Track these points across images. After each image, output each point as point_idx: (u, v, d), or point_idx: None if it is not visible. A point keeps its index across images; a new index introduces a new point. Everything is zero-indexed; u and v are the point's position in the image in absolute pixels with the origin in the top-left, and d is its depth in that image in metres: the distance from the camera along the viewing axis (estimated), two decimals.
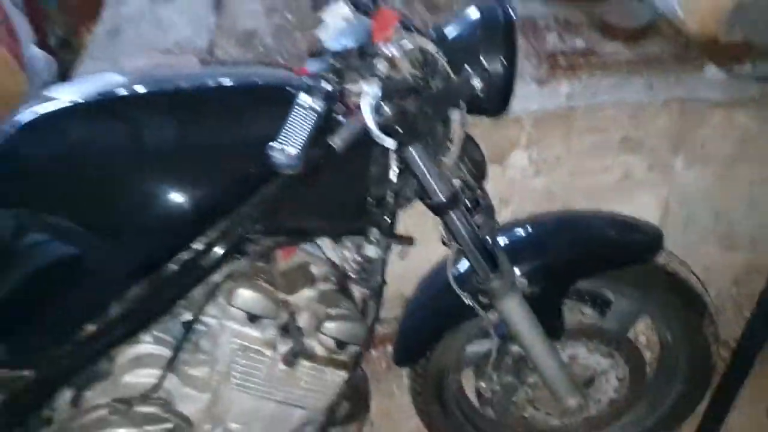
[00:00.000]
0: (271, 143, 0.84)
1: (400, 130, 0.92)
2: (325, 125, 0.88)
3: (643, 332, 1.61)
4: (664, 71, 1.79)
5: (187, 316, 1.07)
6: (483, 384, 1.37)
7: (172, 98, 1.01)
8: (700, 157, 1.78)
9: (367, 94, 0.89)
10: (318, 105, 0.86)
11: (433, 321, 1.35)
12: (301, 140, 0.83)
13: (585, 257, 1.28)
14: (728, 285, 1.98)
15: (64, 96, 1.02)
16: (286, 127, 0.84)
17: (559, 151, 1.74)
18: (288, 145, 0.83)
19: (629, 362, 1.40)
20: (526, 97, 1.69)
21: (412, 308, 1.38)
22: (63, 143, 0.98)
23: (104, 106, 1.00)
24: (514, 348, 1.31)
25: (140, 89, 1.03)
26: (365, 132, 0.93)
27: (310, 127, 0.85)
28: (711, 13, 1.43)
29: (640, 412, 1.53)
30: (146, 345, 1.10)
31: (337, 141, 0.88)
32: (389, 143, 0.91)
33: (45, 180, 0.96)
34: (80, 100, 1.00)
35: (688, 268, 1.34)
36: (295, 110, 0.86)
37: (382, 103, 0.90)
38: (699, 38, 1.60)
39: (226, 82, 1.06)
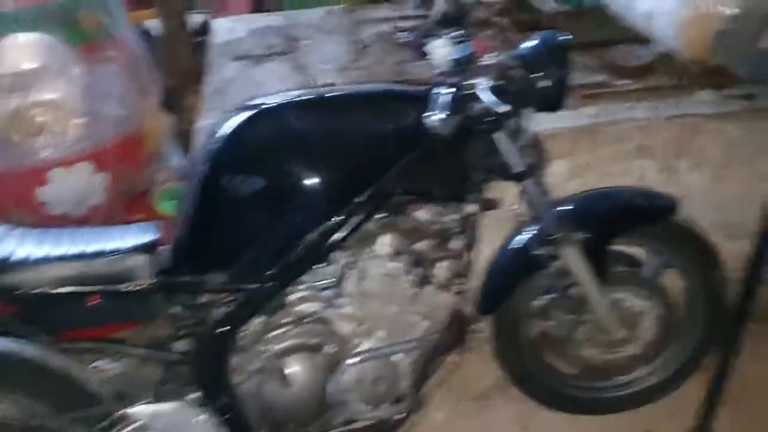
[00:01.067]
0: (425, 114, 1.30)
1: (505, 98, 1.38)
2: (455, 107, 1.35)
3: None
4: (665, 97, 2.28)
5: (344, 260, 1.51)
6: (549, 324, 1.79)
7: (344, 99, 1.49)
8: (699, 161, 2.24)
9: (482, 83, 1.36)
10: (448, 90, 1.34)
11: (511, 275, 1.77)
12: (446, 111, 1.30)
13: (622, 216, 1.73)
14: (731, 267, 2.39)
15: (265, 103, 1.49)
16: (435, 104, 1.31)
17: (588, 159, 2.20)
18: (438, 114, 1.29)
19: (662, 305, 1.81)
20: (560, 119, 2.17)
21: (493, 267, 1.80)
22: (277, 130, 1.45)
23: (297, 106, 1.47)
24: (573, 292, 1.73)
25: (313, 97, 1.51)
26: (473, 119, 1.40)
27: (449, 103, 1.31)
28: (699, 41, 1.91)
29: (671, 353, 1.93)
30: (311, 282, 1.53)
31: (473, 109, 1.34)
32: (503, 108, 1.36)
33: (266, 153, 1.42)
34: (279, 104, 1.48)
35: (700, 227, 1.78)
36: (437, 94, 1.33)
37: (493, 87, 1.37)
38: (691, 62, 2.09)
39: (374, 88, 1.54)
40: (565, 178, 2.19)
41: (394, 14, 3.28)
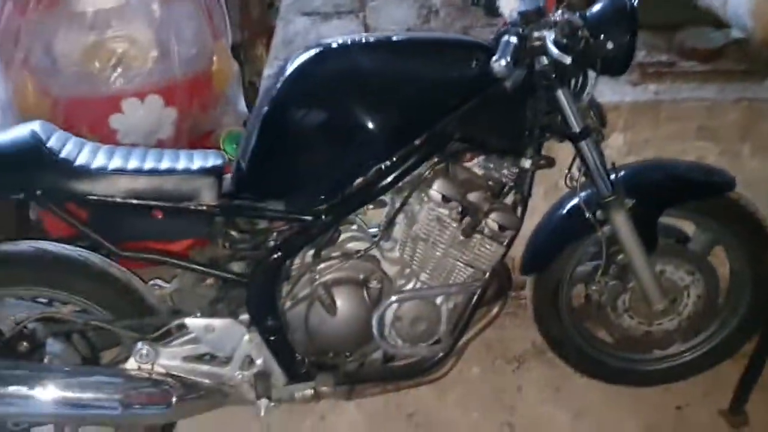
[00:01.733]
0: (493, 58, 1.33)
1: (570, 53, 1.39)
2: (521, 57, 1.38)
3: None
4: (733, 81, 2.25)
5: (396, 202, 1.56)
6: (594, 287, 1.80)
7: (411, 43, 1.54)
8: (763, 147, 2.21)
9: (549, 34, 1.39)
10: (515, 38, 1.36)
11: (558, 236, 1.79)
12: (512, 57, 1.32)
13: (676, 187, 1.73)
14: None
15: (332, 43, 1.54)
16: (500, 50, 1.34)
17: (648, 135, 2.19)
18: (503, 59, 1.32)
19: (707, 281, 1.81)
20: (623, 92, 2.17)
21: (541, 227, 1.82)
22: (343, 68, 1.50)
23: (363, 47, 1.53)
24: (620, 258, 1.75)
25: (380, 39, 1.56)
26: (538, 73, 1.43)
27: (516, 50, 1.34)
28: None
29: (710, 332, 1.93)
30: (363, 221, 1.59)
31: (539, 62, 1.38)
32: (567, 59, 1.38)
33: (330, 90, 1.48)
34: (346, 43, 1.53)
35: (756, 207, 1.77)
36: (504, 41, 1.36)
37: (559, 41, 1.39)
38: (764, 45, 2.06)
39: (441, 36, 1.57)
40: (623, 152, 2.18)
41: None
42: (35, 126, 1.47)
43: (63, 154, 1.44)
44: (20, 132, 1.46)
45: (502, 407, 1.99)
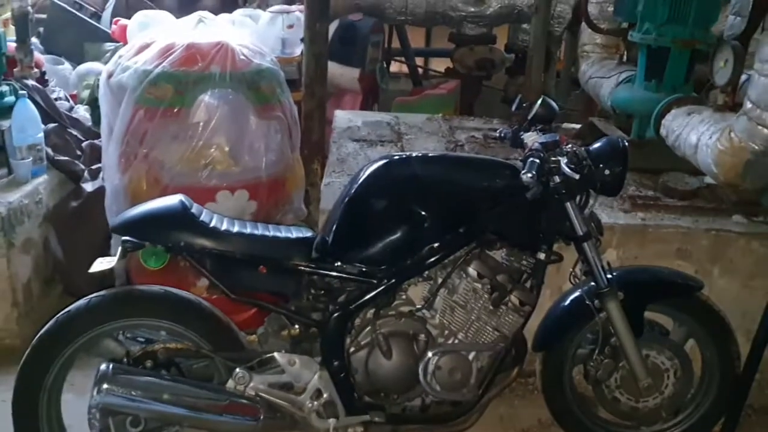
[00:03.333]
0: (522, 172, 1.86)
1: (578, 173, 1.92)
2: (541, 174, 1.91)
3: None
4: (705, 215, 2.79)
5: (440, 277, 2.03)
6: (591, 364, 2.22)
7: (457, 159, 2.09)
8: (730, 269, 2.70)
9: (562, 160, 1.92)
10: (537, 160, 1.90)
11: (564, 320, 2.24)
12: (535, 171, 1.85)
13: (657, 286, 2.21)
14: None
15: (398, 156, 2.10)
16: (527, 167, 1.87)
17: (636, 252, 2.69)
18: (530, 173, 1.85)
19: (684, 366, 2.24)
20: (616, 217, 2.71)
21: (550, 313, 2.28)
22: (407, 172, 2.04)
23: (422, 159, 2.08)
24: (612, 340, 2.18)
25: (434, 155, 2.11)
26: (553, 188, 1.95)
27: (537, 167, 1.87)
28: (733, 167, 2.44)
29: (689, 411, 2.32)
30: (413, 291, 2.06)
31: (555, 180, 1.90)
32: (576, 175, 1.90)
33: (398, 187, 2.01)
34: (409, 156, 2.08)
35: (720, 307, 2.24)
36: (530, 161, 1.89)
37: (570, 164, 1.92)
38: (726, 186, 2.62)
39: (480, 156, 2.12)
40: (616, 265, 2.67)
41: (483, 125, 3.97)
42: (181, 197, 1.98)
43: (200, 218, 1.94)
44: (171, 200, 1.97)
45: None
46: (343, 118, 4.05)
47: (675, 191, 2.96)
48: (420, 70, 6.33)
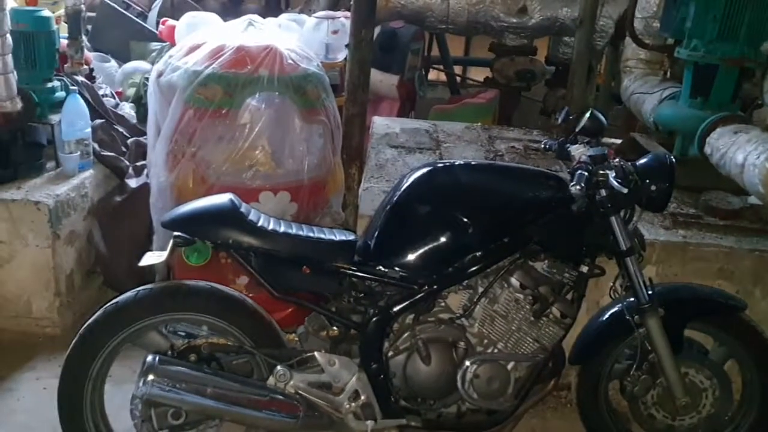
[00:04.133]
0: (571, 184, 1.86)
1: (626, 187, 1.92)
2: (588, 186, 1.91)
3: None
4: (748, 235, 2.76)
5: (480, 287, 2.04)
6: (628, 379, 2.21)
7: (505, 168, 2.09)
8: None
9: (610, 173, 1.92)
10: (586, 173, 1.90)
11: (602, 334, 2.23)
12: (584, 184, 1.86)
13: (699, 304, 2.19)
14: None
15: (444, 163, 2.11)
16: (576, 179, 1.87)
17: (676, 270, 2.67)
18: (578, 185, 1.85)
19: (722, 386, 2.21)
20: (657, 233, 2.69)
21: (588, 326, 2.27)
22: (451, 179, 2.06)
23: (467, 167, 2.09)
24: (651, 356, 2.17)
25: (481, 163, 2.12)
26: (599, 202, 1.95)
27: (585, 179, 1.87)
28: None
29: None
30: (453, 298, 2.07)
31: (601, 194, 1.90)
32: (624, 189, 1.90)
33: (444, 195, 2.03)
34: (456, 163, 2.09)
35: (763, 328, 2.21)
36: (578, 173, 1.89)
37: (617, 178, 1.92)
38: None
39: (528, 167, 2.13)
40: (656, 281, 2.66)
41: (523, 136, 3.96)
42: (230, 196, 2.02)
43: (249, 217, 1.97)
44: (221, 198, 2.01)
45: None
46: (381, 124, 4.07)
47: (717, 210, 2.93)
48: (458, 79, 6.35)
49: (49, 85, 3.13)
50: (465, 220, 1.98)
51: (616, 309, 2.20)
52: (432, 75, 6.40)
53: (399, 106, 5.03)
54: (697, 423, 2.24)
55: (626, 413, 2.32)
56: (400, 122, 4.22)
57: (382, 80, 4.81)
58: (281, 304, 2.06)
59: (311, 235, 2.02)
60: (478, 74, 6.23)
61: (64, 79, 3.28)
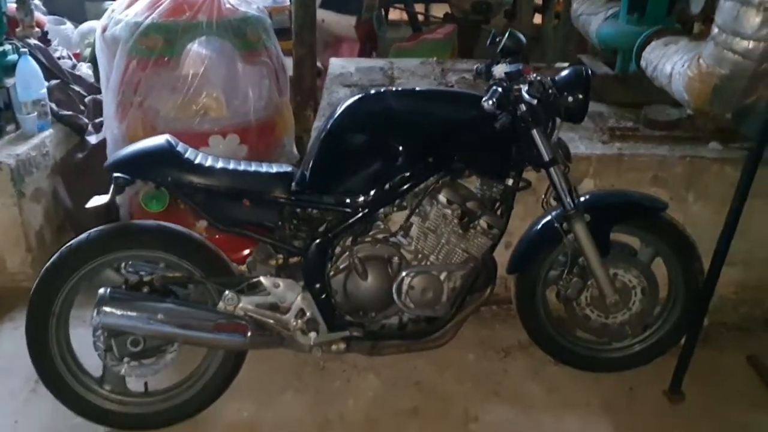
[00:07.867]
0: (483, 99, 1.97)
1: (537, 101, 2.02)
2: (505, 102, 2.02)
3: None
4: (682, 143, 2.88)
5: (413, 204, 2.17)
6: (561, 283, 2.36)
7: (429, 92, 2.20)
8: (704, 194, 2.79)
9: (524, 87, 2.03)
10: (500, 88, 2.00)
11: (535, 243, 2.37)
12: (496, 99, 1.96)
13: (623, 207, 2.33)
14: (727, 292, 2.89)
15: (371, 91, 2.21)
16: (488, 94, 1.98)
17: (612, 181, 2.79)
18: (490, 100, 1.96)
19: (650, 284, 2.37)
20: (594, 148, 2.81)
21: (522, 237, 2.41)
22: (381, 105, 2.15)
23: (395, 93, 2.19)
24: (580, 260, 2.31)
25: (407, 89, 2.22)
26: (519, 117, 2.05)
27: (498, 94, 1.98)
28: (702, 94, 2.51)
29: (655, 327, 2.46)
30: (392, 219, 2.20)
31: (520, 109, 2.01)
32: (533, 100, 2.01)
33: (372, 120, 2.13)
34: (384, 90, 2.19)
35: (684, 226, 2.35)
36: (492, 89, 2.00)
37: (530, 91, 2.02)
38: (697, 113, 2.70)
39: (449, 89, 2.23)
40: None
41: (474, 67, 4.02)
42: (167, 136, 2.12)
43: (186, 156, 2.08)
44: (157, 140, 2.11)
45: (490, 382, 2.52)
46: (337, 65, 4.13)
47: (656, 122, 3.03)
48: (420, 17, 6.36)
49: (0, 49, 3.19)
50: (391, 143, 2.09)
51: (546, 219, 2.34)
52: (395, 15, 6.41)
53: (359, 48, 5.07)
54: (628, 319, 2.40)
55: (566, 318, 2.47)
56: (355, 62, 4.27)
57: (339, 21, 4.86)
58: (239, 243, 2.18)
59: (248, 169, 2.13)
60: (440, 11, 6.23)
61: (15, 42, 3.34)
